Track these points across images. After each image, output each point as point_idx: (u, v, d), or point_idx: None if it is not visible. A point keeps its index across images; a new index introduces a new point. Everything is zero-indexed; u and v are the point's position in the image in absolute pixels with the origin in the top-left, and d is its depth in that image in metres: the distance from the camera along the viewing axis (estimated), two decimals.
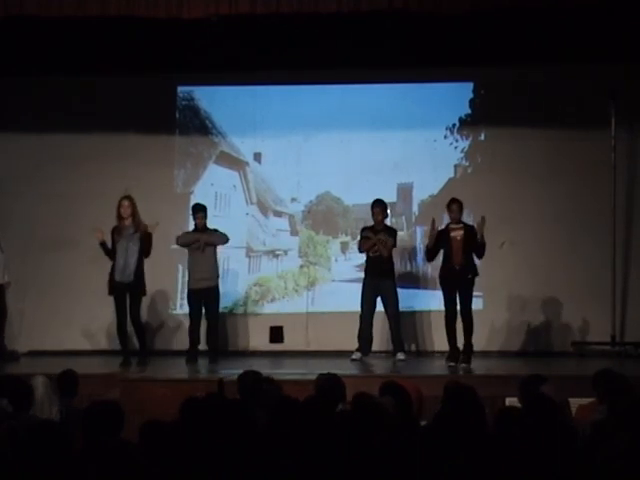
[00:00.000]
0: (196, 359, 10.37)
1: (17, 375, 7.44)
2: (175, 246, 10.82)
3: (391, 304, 10.33)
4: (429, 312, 11.32)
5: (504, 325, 11.29)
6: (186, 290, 10.70)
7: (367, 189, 11.43)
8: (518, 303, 11.35)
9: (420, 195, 11.69)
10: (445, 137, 11.68)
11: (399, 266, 11.06)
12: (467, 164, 11.73)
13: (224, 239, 10.59)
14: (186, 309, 10.86)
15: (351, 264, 11.65)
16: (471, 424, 4.72)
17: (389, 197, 11.37)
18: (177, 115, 12.02)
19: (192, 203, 11.01)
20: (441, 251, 10.00)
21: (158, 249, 10.42)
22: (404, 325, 10.83)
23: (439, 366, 10.01)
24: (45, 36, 10.75)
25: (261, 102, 11.84)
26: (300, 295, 11.75)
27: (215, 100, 12.02)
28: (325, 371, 6.81)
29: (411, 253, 11.56)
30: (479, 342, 10.15)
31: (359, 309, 10.30)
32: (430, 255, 10.14)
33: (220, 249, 10.73)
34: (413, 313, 11.37)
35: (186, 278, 10.85)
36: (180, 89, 12.01)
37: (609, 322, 11.02)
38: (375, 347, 10.51)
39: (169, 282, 11.58)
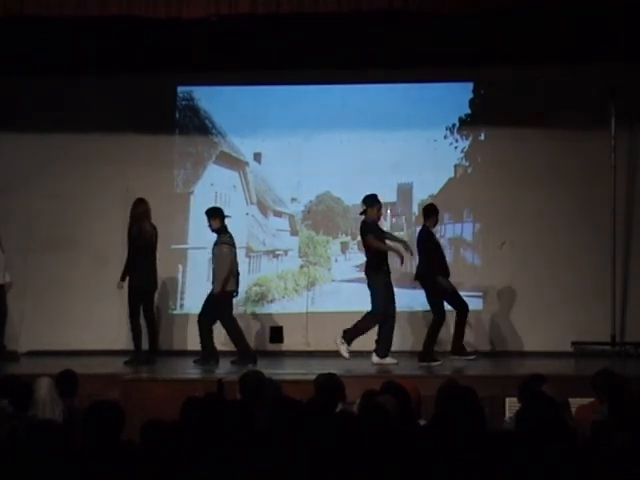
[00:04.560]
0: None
1: (17, 375, 7.45)
2: (175, 246, 10.82)
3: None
4: (429, 312, 11.30)
5: (504, 325, 11.28)
6: (188, 291, 10.69)
7: (367, 189, 11.39)
8: (518, 303, 11.36)
9: (420, 195, 11.67)
10: (445, 137, 11.68)
11: (400, 266, 11.04)
12: (467, 164, 11.73)
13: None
14: (186, 309, 10.87)
15: (351, 264, 11.65)
16: (471, 424, 4.71)
17: (389, 197, 11.38)
18: (177, 115, 12.02)
19: (192, 203, 11.04)
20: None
21: (159, 250, 10.40)
22: (404, 325, 10.81)
23: (439, 366, 9.99)
24: (45, 36, 10.75)
25: (261, 102, 11.84)
26: (300, 295, 11.74)
27: (215, 100, 12.02)
28: (325, 371, 6.81)
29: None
30: (479, 342, 10.14)
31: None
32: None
33: None
34: (413, 313, 11.36)
35: (186, 278, 10.84)
36: (180, 89, 12.01)
37: (609, 322, 11.01)
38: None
39: (169, 282, 11.58)
